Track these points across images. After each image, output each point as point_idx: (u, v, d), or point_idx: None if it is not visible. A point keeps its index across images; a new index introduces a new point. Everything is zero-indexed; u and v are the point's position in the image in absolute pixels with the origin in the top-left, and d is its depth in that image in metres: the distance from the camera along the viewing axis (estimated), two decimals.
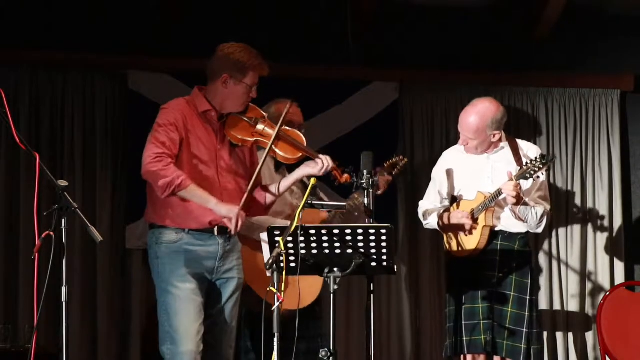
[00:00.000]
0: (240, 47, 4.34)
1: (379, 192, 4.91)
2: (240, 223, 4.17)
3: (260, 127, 4.32)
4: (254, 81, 4.31)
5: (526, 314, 4.74)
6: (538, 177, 4.54)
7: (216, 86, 4.32)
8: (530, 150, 4.88)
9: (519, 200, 4.60)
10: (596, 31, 6.70)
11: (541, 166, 4.46)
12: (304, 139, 4.41)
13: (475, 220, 4.76)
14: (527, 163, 4.54)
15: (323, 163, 4.32)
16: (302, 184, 4.93)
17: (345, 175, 4.35)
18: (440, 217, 4.90)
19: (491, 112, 4.76)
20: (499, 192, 4.64)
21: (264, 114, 4.40)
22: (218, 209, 4.19)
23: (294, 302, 4.21)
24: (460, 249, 4.84)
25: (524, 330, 4.73)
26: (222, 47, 4.36)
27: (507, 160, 4.83)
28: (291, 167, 4.60)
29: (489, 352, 4.77)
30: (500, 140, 4.86)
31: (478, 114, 4.75)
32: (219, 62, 4.32)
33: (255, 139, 4.32)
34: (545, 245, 6.57)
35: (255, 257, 4.59)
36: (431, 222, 4.96)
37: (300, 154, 4.34)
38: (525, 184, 4.70)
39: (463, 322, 4.78)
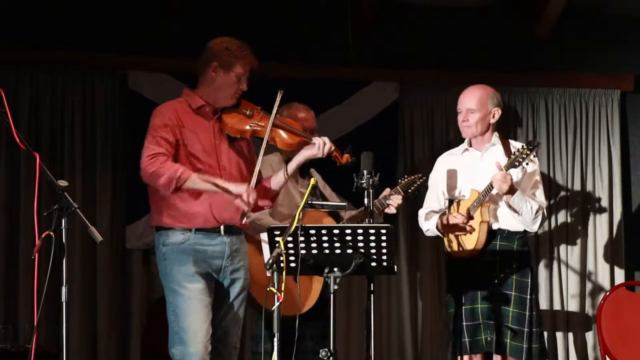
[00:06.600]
0: (228, 39, 4.36)
1: (391, 212, 4.95)
2: (252, 199, 4.14)
3: (256, 117, 4.33)
4: (244, 72, 4.31)
5: (527, 313, 4.76)
6: (527, 163, 4.64)
7: (206, 77, 4.32)
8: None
9: (511, 190, 4.64)
10: (596, 31, 6.70)
11: (528, 152, 4.58)
12: (301, 126, 4.44)
13: (472, 218, 4.77)
14: (514, 152, 4.64)
15: (321, 143, 4.32)
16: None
17: (346, 156, 4.36)
18: (439, 221, 4.90)
19: (492, 89, 4.95)
20: (490, 186, 4.68)
21: (258, 107, 4.40)
22: (227, 188, 4.17)
23: (294, 308, 4.22)
24: (460, 249, 4.85)
25: (525, 329, 4.74)
26: (211, 41, 4.38)
27: (501, 156, 4.84)
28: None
29: (489, 351, 4.78)
30: (492, 134, 4.90)
31: (480, 87, 4.94)
32: (208, 53, 4.33)
33: (253, 129, 4.33)
34: (546, 245, 6.57)
35: (258, 260, 4.57)
36: (431, 228, 4.95)
37: (299, 139, 4.36)
38: (516, 174, 4.72)
39: (464, 324, 4.79)
